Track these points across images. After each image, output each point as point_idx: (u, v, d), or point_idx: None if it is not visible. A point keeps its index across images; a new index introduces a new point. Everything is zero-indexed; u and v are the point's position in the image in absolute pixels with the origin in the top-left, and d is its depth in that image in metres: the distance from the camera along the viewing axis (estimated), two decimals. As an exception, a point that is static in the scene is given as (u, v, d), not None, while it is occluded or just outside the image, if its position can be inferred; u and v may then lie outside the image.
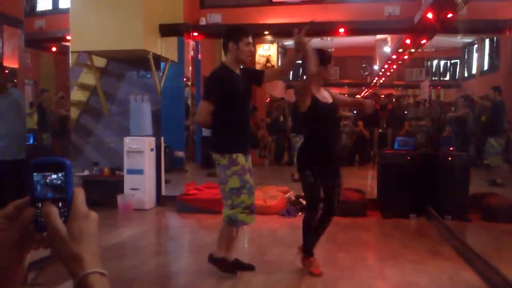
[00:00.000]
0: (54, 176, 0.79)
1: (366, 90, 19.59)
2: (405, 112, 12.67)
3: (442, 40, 11.01)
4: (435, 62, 14.40)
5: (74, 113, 7.77)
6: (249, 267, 4.27)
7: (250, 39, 4.02)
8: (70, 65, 7.44)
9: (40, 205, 0.78)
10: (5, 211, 0.78)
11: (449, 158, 6.47)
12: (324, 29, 7.74)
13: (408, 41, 8.85)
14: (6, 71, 6.11)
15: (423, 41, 8.45)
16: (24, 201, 0.79)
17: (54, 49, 9.48)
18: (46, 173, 0.79)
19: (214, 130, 4.05)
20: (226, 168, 3.94)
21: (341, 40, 13.02)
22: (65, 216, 0.78)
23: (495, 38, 10.72)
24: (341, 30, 7.30)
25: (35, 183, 0.79)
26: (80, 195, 0.81)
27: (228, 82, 3.95)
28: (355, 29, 7.51)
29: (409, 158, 6.63)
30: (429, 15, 6.37)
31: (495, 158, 7.97)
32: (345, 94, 19.92)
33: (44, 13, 9.24)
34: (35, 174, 0.79)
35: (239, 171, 3.92)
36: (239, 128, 4.00)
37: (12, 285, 0.79)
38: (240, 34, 4.00)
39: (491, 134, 8.09)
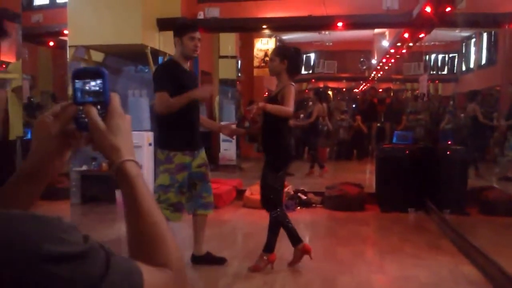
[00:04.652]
0: (93, 83, 0.88)
1: (364, 84, 19.59)
2: (404, 106, 12.68)
3: (440, 34, 11.00)
4: (433, 56, 14.39)
5: (72, 108, 7.73)
6: (221, 260, 4.28)
7: (196, 34, 3.97)
8: (68, 60, 7.41)
9: (81, 107, 0.88)
10: (54, 109, 0.90)
11: (448, 152, 6.48)
12: (322, 23, 7.71)
13: (406, 35, 8.82)
14: (4, 66, 6.09)
15: (422, 35, 8.43)
16: (69, 102, 0.89)
17: (51, 43, 9.43)
18: (86, 80, 0.88)
19: (158, 124, 4.09)
20: (160, 164, 4.00)
21: (339, 34, 13.03)
22: (103, 117, 0.88)
23: (492, 32, 10.71)
24: (339, 24, 7.26)
25: (76, 89, 0.88)
26: (116, 98, 0.90)
27: (175, 76, 3.91)
28: (353, 23, 7.47)
29: (407, 152, 6.64)
30: (428, 9, 6.34)
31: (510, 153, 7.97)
32: (343, 88, 19.98)
33: (41, 7, 9.17)
34: (76, 81, 0.88)
35: (171, 170, 3.93)
36: (183, 124, 3.96)
37: (51, 173, 0.92)
38: (184, 29, 3.97)
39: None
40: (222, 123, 7.18)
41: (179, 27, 4.05)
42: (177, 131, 3.95)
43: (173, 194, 3.95)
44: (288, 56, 4.03)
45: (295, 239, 4.19)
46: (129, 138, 0.90)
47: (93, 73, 0.89)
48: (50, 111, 0.89)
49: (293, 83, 4.05)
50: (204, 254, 4.28)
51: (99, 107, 0.88)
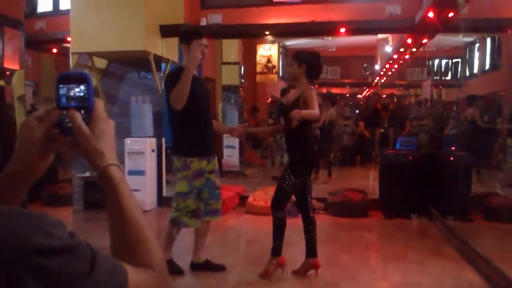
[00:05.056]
0: (77, 88, 0.90)
1: (367, 90, 19.58)
2: (407, 112, 12.65)
3: (444, 39, 10.98)
4: (436, 61, 14.36)
5: (75, 114, 7.73)
6: (220, 268, 4.26)
7: (203, 41, 4.00)
8: (71, 67, 7.43)
9: (65, 112, 0.89)
10: (37, 113, 0.91)
11: (451, 158, 6.45)
12: (325, 29, 7.72)
13: (409, 41, 8.83)
14: (8, 73, 6.10)
15: (425, 41, 8.43)
16: (53, 106, 0.90)
17: (55, 50, 9.46)
18: (71, 85, 0.90)
19: (173, 131, 4.11)
20: (177, 171, 4.02)
21: (343, 40, 13.03)
22: (87, 121, 0.89)
23: (496, 36, 10.69)
24: (342, 30, 7.28)
25: (60, 94, 0.89)
26: (100, 103, 0.92)
27: None
28: (356, 28, 7.48)
29: (411, 158, 6.61)
30: (430, 14, 6.34)
31: None
32: (346, 94, 19.97)
33: (44, 15, 9.20)
34: (60, 86, 0.90)
35: (189, 176, 3.96)
36: (198, 130, 3.99)
37: (34, 175, 0.92)
38: (191, 36, 4.01)
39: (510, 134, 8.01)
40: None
41: (187, 35, 4.09)
42: (193, 137, 3.98)
43: (192, 201, 3.98)
44: (306, 60, 4.04)
45: (311, 251, 4.16)
46: (113, 143, 0.92)
47: (78, 78, 0.90)
48: (34, 114, 0.91)
49: (312, 87, 4.05)
50: (203, 262, 4.27)
51: (83, 112, 0.89)
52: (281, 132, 4.36)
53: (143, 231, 0.87)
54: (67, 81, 0.90)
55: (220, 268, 4.26)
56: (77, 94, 0.89)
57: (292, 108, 4.01)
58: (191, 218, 4.02)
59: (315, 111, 3.91)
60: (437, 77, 14.07)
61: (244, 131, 4.59)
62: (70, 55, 7.16)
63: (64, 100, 0.89)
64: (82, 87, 0.89)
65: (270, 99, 14.26)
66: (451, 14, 6.36)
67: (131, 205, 0.88)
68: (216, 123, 4.76)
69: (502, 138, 8.24)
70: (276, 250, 4.10)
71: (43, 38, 8.84)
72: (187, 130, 3.97)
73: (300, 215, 6.52)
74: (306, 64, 4.02)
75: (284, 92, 9.50)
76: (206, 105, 4.17)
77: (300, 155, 4.07)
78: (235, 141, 10.55)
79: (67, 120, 0.89)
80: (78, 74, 0.91)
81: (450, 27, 6.98)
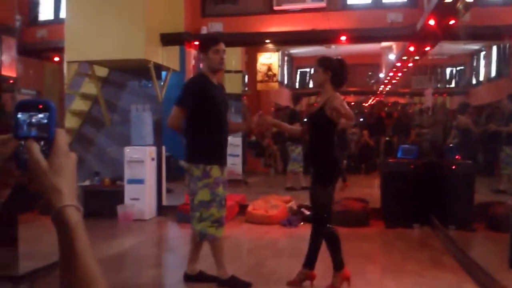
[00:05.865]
0: (39, 116, 0.83)
1: (372, 98, 19.49)
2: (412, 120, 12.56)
3: (449, 47, 10.91)
4: (442, 69, 14.27)
5: (76, 123, 7.74)
6: (214, 279, 4.16)
7: (220, 46, 3.99)
8: (65, 75, 7.43)
9: (23, 142, 0.81)
10: None
11: (453, 167, 6.36)
12: (325, 37, 7.69)
13: (411, 49, 8.77)
14: (11, 81, 6.10)
15: (427, 48, 8.36)
16: (9, 136, 0.83)
17: (56, 59, 9.48)
18: (32, 113, 0.83)
19: (189, 139, 4.03)
20: (198, 180, 3.91)
21: (347, 48, 12.97)
22: (46, 154, 0.81)
23: (501, 45, 10.60)
24: (343, 38, 7.25)
25: (21, 122, 0.82)
26: (62, 134, 0.84)
27: (205, 89, 3.94)
28: (357, 36, 7.45)
29: (412, 166, 6.53)
30: (431, 22, 6.29)
31: None
32: (352, 102, 19.91)
33: (45, 23, 9.22)
34: (20, 113, 0.83)
35: (211, 184, 3.89)
36: (216, 137, 3.96)
37: None
38: (207, 44, 4.05)
39: (507, 143, 7.87)
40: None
41: (204, 42, 4.19)
42: (212, 144, 3.94)
43: (215, 209, 3.92)
44: (331, 66, 3.96)
45: (310, 262, 4.07)
46: (73, 180, 0.84)
47: (39, 106, 0.83)
48: None
49: (338, 94, 3.97)
50: (197, 273, 4.19)
51: (42, 143, 0.82)
52: (304, 137, 4.29)
53: (96, 284, 0.81)
54: (28, 108, 0.83)
55: (214, 280, 4.19)
56: (38, 122, 0.82)
57: (318, 115, 3.94)
58: (218, 228, 3.95)
59: (350, 111, 3.89)
60: (439, 85, 13.99)
61: (263, 120, 4.22)
62: (65, 63, 7.15)
63: (23, 128, 0.82)
64: (44, 115, 0.83)
65: (274, 107, 14.22)
66: (452, 22, 6.30)
67: (89, 255, 0.80)
68: (232, 123, 4.56)
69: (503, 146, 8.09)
70: (339, 264, 3.96)
71: (45, 47, 8.86)
72: (207, 137, 3.92)
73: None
74: (332, 71, 3.94)
75: (297, 100, 9.51)
76: (225, 113, 4.13)
77: (327, 162, 3.95)
78: (239, 150, 10.52)
79: (24, 151, 0.81)
80: (40, 102, 0.84)
81: (452, 35, 6.92)
